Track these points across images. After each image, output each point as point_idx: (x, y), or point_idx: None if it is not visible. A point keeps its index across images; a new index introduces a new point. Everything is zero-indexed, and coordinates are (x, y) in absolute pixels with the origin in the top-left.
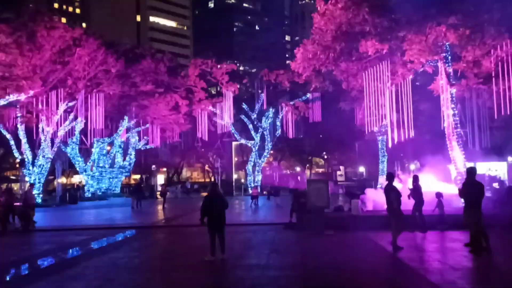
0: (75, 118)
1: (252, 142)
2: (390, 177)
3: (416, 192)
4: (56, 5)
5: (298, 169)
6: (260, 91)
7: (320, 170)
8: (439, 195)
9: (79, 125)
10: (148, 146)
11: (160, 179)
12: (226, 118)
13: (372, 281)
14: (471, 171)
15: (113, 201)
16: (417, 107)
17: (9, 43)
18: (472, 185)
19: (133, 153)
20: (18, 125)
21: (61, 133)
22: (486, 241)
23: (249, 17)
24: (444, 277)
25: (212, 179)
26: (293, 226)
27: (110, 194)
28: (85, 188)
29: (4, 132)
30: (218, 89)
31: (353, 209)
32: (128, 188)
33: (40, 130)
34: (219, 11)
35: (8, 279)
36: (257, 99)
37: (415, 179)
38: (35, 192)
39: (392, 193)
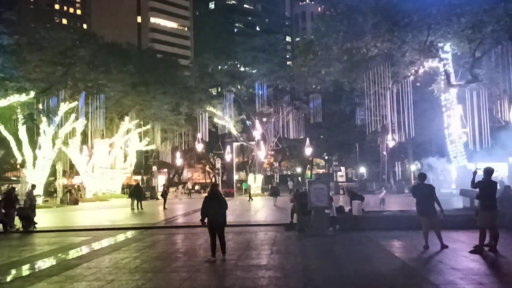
0: (76, 119)
1: (253, 142)
2: (490, 172)
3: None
4: (57, 6)
5: (298, 169)
6: (260, 92)
7: (321, 171)
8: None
9: (80, 126)
10: (148, 147)
11: (161, 179)
12: (226, 118)
13: (373, 281)
14: (488, 171)
15: (114, 202)
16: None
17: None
18: (489, 186)
19: (134, 154)
20: (19, 126)
21: (62, 134)
22: (495, 241)
23: (249, 18)
24: (445, 277)
25: (213, 180)
26: (294, 227)
27: (110, 195)
28: (86, 189)
29: (5, 133)
30: (219, 89)
31: (354, 210)
32: (128, 188)
33: (41, 131)
34: (220, 12)
35: (9, 279)
36: (257, 99)
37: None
38: (36, 193)
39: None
